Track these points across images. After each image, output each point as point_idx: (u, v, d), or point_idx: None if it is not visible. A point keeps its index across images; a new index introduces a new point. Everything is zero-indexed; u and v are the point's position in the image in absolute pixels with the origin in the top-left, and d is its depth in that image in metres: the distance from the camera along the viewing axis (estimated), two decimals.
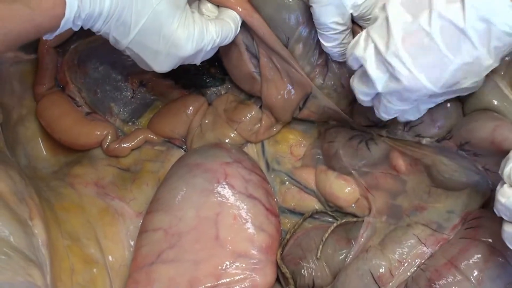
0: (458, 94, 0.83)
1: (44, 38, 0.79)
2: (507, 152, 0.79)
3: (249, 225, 0.98)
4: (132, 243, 1.06)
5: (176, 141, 1.17)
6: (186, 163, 1.05)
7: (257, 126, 1.12)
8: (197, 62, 0.93)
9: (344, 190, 1.05)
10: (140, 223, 1.05)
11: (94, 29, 0.82)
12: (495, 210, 0.76)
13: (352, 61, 0.84)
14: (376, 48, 0.79)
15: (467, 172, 0.92)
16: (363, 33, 0.82)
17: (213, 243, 0.96)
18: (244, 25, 0.97)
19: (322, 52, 0.98)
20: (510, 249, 0.76)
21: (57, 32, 0.78)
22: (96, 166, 1.14)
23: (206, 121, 1.14)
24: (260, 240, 0.98)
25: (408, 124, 0.96)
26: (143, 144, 1.16)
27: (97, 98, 1.17)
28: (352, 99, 1.01)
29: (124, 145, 1.15)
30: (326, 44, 0.92)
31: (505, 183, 0.75)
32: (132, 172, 1.15)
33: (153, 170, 1.15)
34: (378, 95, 0.84)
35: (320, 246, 0.99)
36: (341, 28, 0.89)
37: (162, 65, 0.89)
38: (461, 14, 0.72)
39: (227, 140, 1.12)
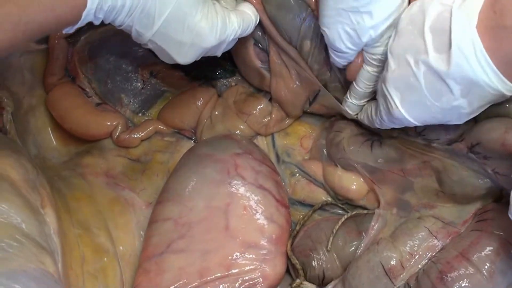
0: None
1: (64, 32, 0.78)
2: None
3: (259, 216, 0.98)
4: (142, 233, 1.06)
5: (186, 132, 1.17)
6: (196, 154, 1.05)
7: (267, 119, 1.12)
8: (219, 53, 0.93)
9: (355, 182, 1.04)
10: (150, 214, 1.05)
11: (117, 23, 0.81)
12: (509, 215, 0.76)
13: None
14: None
15: (477, 175, 0.92)
16: None
17: (223, 234, 0.97)
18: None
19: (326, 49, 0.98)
20: None
21: (78, 25, 0.77)
22: (106, 157, 1.14)
23: (216, 113, 1.14)
24: (270, 231, 0.98)
25: (419, 128, 0.97)
26: (153, 135, 1.17)
27: (108, 89, 1.17)
28: None
29: (134, 135, 1.15)
30: (337, 59, 0.93)
31: None
32: (142, 162, 1.15)
33: (163, 161, 1.15)
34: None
35: (331, 238, 0.99)
36: (354, 50, 0.90)
37: (185, 57, 0.88)
38: (445, 67, 0.73)
39: (237, 132, 1.12)
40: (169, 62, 0.90)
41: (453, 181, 0.93)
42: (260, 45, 1.03)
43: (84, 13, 0.74)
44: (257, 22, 0.96)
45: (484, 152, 0.88)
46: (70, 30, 0.78)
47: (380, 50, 0.88)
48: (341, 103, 1.03)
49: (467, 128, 0.90)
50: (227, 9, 0.91)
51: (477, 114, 0.80)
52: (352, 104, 1.00)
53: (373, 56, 0.90)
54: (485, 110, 0.86)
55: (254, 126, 1.13)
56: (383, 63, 0.92)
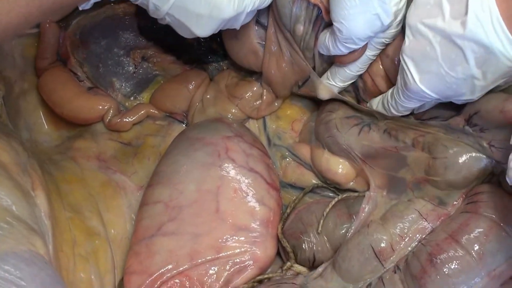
0: (461, 103, 0.87)
1: (80, 8, 0.77)
2: None
3: (249, 198, 0.99)
4: (133, 216, 1.07)
5: (178, 115, 1.18)
6: (187, 137, 1.06)
7: (258, 102, 1.12)
8: (237, 26, 0.91)
9: (341, 166, 1.05)
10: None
11: None
12: (507, 179, 0.75)
13: None
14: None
15: (471, 150, 0.91)
16: None
17: (214, 216, 0.97)
18: None
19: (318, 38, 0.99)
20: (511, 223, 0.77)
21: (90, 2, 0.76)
22: (98, 140, 1.15)
23: (208, 96, 1.14)
24: (261, 213, 0.99)
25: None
26: (144, 119, 1.17)
27: (99, 73, 1.17)
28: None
29: (126, 119, 1.15)
30: (344, 50, 0.93)
31: None
32: (134, 146, 1.16)
33: (154, 145, 1.15)
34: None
35: (321, 221, 0.99)
36: (370, 38, 0.91)
37: (204, 29, 0.87)
38: (460, 31, 0.74)
39: (228, 116, 1.13)
40: (188, 36, 0.89)
41: (446, 158, 0.93)
42: (260, 21, 1.03)
43: None
44: None
45: (481, 123, 0.88)
46: (87, 6, 0.77)
47: (392, 33, 0.91)
48: None
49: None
50: None
51: (490, 88, 0.81)
52: (335, 86, 1.02)
53: (379, 40, 0.92)
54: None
55: (246, 109, 1.13)
56: (383, 46, 0.94)
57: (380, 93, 1.02)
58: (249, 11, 0.89)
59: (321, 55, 1.01)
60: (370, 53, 0.95)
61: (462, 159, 0.91)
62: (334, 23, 0.89)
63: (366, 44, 0.93)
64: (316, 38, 0.99)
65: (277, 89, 1.10)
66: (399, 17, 0.88)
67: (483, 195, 0.89)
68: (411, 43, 0.82)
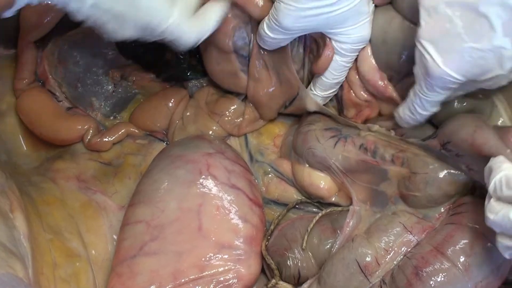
0: (483, 87, 0.84)
1: (1, 15, 0.74)
2: (488, 156, 0.80)
3: (232, 215, 0.99)
4: (115, 237, 1.06)
5: (158, 134, 1.18)
6: (168, 155, 1.06)
7: (239, 119, 1.13)
8: (153, 38, 0.87)
9: (322, 181, 1.05)
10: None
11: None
12: (486, 222, 0.76)
13: None
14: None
15: (449, 166, 0.92)
16: None
17: (196, 235, 0.97)
18: (245, 20, 0.99)
19: (306, 47, 1.02)
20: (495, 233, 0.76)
21: (15, 7, 0.73)
22: (77, 161, 1.14)
23: (188, 114, 1.15)
24: (244, 231, 0.98)
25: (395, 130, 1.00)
26: (124, 138, 1.17)
27: (78, 93, 1.17)
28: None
29: (106, 139, 1.15)
30: (270, 34, 0.94)
31: (491, 197, 0.75)
32: (114, 166, 1.15)
33: (135, 164, 1.15)
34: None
35: (305, 237, 0.99)
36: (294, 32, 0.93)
37: (121, 30, 0.83)
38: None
39: (209, 133, 1.13)
40: (109, 37, 0.84)
41: (426, 173, 0.93)
42: (241, 53, 1.04)
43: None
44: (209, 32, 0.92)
45: (455, 150, 0.88)
46: (8, 13, 0.74)
47: (346, 37, 0.93)
48: None
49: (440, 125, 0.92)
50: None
51: None
52: (317, 95, 1.03)
53: (343, 46, 0.93)
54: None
55: (227, 126, 1.13)
56: (353, 52, 0.95)
57: (357, 103, 1.04)
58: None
59: (306, 67, 1.04)
60: (341, 59, 0.96)
61: (442, 174, 0.92)
62: (275, 1, 0.90)
63: (332, 49, 0.95)
64: (304, 49, 1.02)
65: (263, 113, 1.12)
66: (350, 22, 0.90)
67: (467, 205, 0.90)
68: (428, 25, 0.79)
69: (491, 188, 0.75)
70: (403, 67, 0.96)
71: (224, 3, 0.92)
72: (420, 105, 0.89)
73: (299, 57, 1.04)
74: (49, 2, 0.78)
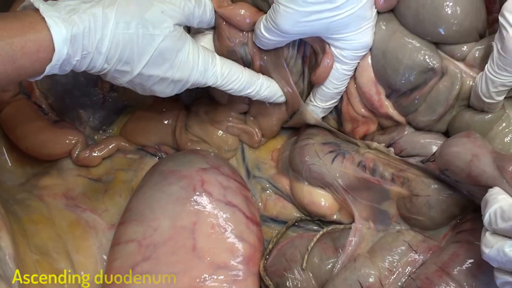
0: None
1: (30, 80, 0.80)
2: (487, 186, 0.82)
3: (228, 234, 0.99)
4: (105, 257, 1.06)
5: (150, 148, 1.20)
6: (160, 171, 1.06)
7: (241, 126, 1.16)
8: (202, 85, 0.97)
9: (323, 198, 1.07)
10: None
11: (86, 71, 0.84)
12: (482, 256, 0.77)
13: None
14: None
15: (452, 189, 0.94)
16: None
17: (191, 254, 0.97)
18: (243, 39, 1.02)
19: (304, 57, 1.04)
20: None
21: (43, 75, 0.78)
22: (65, 177, 1.16)
23: (192, 127, 1.17)
24: (241, 250, 0.99)
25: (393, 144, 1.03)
26: (115, 153, 1.19)
27: (65, 105, 1.19)
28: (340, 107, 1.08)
29: (95, 154, 1.17)
30: (267, 35, 0.97)
31: (487, 230, 0.77)
32: (104, 182, 1.17)
33: (126, 180, 1.17)
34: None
35: (306, 256, 1.00)
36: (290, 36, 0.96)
37: (164, 91, 0.93)
38: None
39: (224, 146, 1.17)
40: (145, 95, 0.94)
41: (429, 196, 0.95)
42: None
43: (47, 68, 0.76)
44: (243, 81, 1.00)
45: (454, 177, 0.90)
46: (34, 79, 0.80)
47: (348, 44, 0.95)
48: None
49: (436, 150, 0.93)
50: (213, 53, 0.96)
51: None
52: (317, 107, 1.05)
53: (343, 53, 0.95)
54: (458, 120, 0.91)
55: (236, 131, 1.16)
56: (354, 60, 0.97)
57: (354, 118, 1.06)
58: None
59: (305, 78, 1.06)
60: (342, 67, 0.98)
61: (445, 196, 0.94)
62: (274, 3, 0.93)
63: (331, 58, 0.98)
64: (303, 59, 1.04)
65: (265, 133, 1.15)
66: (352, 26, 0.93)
67: (473, 222, 0.92)
68: None
69: (486, 221, 0.77)
70: (400, 85, 0.98)
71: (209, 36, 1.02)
72: (484, 89, 0.92)
73: (297, 68, 1.06)
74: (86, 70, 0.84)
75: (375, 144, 1.04)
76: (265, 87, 1.02)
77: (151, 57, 0.85)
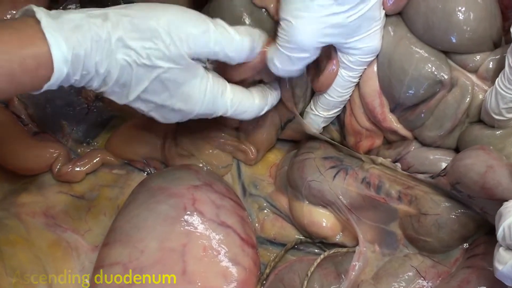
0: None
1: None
2: (501, 200, 0.82)
3: (221, 257, 0.99)
4: (87, 281, 1.06)
5: (138, 163, 1.20)
6: (148, 188, 1.07)
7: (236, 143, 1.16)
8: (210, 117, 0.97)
9: (324, 218, 1.07)
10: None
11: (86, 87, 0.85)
12: (496, 276, 0.78)
13: None
14: None
15: (463, 207, 0.95)
16: None
17: (180, 279, 0.97)
18: None
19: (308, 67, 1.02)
20: None
21: (40, 91, 0.79)
22: (45, 194, 1.16)
23: (184, 141, 1.17)
24: (235, 275, 0.99)
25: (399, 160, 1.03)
26: (99, 168, 1.19)
27: (46, 115, 1.19)
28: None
29: (78, 168, 1.17)
30: (291, 64, 0.94)
31: (501, 245, 0.77)
32: (87, 199, 1.17)
33: (111, 197, 1.17)
34: None
35: (305, 282, 1.01)
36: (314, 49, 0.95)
37: (167, 118, 0.93)
38: None
39: (220, 165, 1.17)
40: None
41: (438, 214, 0.96)
42: None
43: (45, 86, 0.77)
44: (263, 111, 1.01)
45: (466, 192, 0.90)
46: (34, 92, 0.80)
47: (355, 49, 0.95)
48: None
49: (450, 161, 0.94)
50: (224, 81, 0.95)
51: None
52: (318, 116, 1.06)
53: (351, 58, 0.96)
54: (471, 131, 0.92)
55: (228, 149, 1.16)
56: (361, 66, 0.97)
57: (357, 131, 1.06)
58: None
59: (308, 88, 1.06)
60: (347, 73, 0.98)
61: (455, 215, 0.95)
62: (280, 22, 0.92)
63: (337, 64, 0.98)
64: (307, 68, 1.02)
65: (260, 146, 1.16)
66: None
67: (485, 246, 0.92)
68: None
69: (499, 235, 0.77)
70: (404, 98, 0.97)
71: None
72: (494, 104, 0.91)
73: (302, 79, 1.05)
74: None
75: (380, 159, 1.04)
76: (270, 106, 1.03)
77: (148, 85, 0.85)
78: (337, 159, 1.07)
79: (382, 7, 0.94)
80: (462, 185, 0.89)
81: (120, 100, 0.87)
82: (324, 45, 0.93)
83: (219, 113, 0.95)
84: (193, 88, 0.89)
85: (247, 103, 0.97)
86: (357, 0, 0.87)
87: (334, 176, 1.04)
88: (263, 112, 1.00)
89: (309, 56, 0.93)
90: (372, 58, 0.98)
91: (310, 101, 1.09)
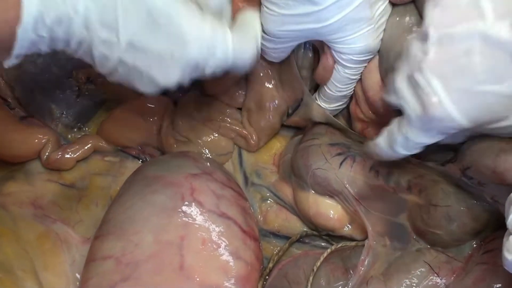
0: (493, 133, 0.85)
1: (6, 65, 0.77)
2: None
3: (221, 251, 0.99)
4: (78, 276, 1.07)
5: (132, 150, 1.20)
6: (143, 176, 1.06)
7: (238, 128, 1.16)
8: (206, 73, 0.90)
9: (335, 208, 1.06)
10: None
11: (71, 46, 0.80)
12: (505, 268, 0.76)
13: None
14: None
15: (475, 198, 0.93)
16: None
17: (177, 274, 0.96)
18: None
19: (316, 51, 1.04)
20: None
21: (17, 50, 0.75)
22: (33, 182, 1.16)
23: (181, 125, 1.16)
24: (236, 269, 0.98)
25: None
26: (91, 154, 1.19)
27: (34, 99, 1.19)
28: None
29: (68, 155, 1.17)
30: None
31: (511, 233, 0.76)
32: (78, 188, 1.17)
33: (103, 186, 1.17)
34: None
35: (311, 278, 1.01)
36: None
37: (167, 74, 0.86)
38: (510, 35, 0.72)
39: (221, 152, 1.17)
40: (149, 90, 0.88)
41: (449, 206, 0.94)
42: None
43: (19, 31, 0.73)
44: (258, 53, 0.96)
45: (477, 177, 0.90)
46: (10, 61, 0.77)
47: (347, 48, 0.94)
48: None
49: (460, 147, 0.93)
50: (221, 22, 0.91)
51: None
52: (321, 107, 1.06)
53: (344, 56, 0.95)
54: None
55: (231, 135, 1.16)
56: (357, 64, 0.97)
57: (362, 119, 1.06)
58: (219, 60, 0.89)
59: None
60: (344, 70, 0.98)
61: (467, 206, 0.93)
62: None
63: (331, 58, 0.98)
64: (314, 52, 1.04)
65: (263, 130, 1.15)
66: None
67: (500, 242, 0.89)
68: (437, 56, 0.77)
69: (510, 222, 0.75)
70: None
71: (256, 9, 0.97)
72: (403, 145, 0.87)
73: (308, 61, 1.06)
74: (67, 51, 0.82)
75: None
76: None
77: (138, 17, 0.80)
78: (344, 146, 1.06)
79: (381, 3, 0.93)
80: (473, 170, 0.89)
81: (112, 52, 0.82)
82: (298, 41, 0.97)
83: (219, 52, 0.88)
84: (187, 20, 0.84)
85: (247, 44, 0.93)
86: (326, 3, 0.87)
87: (341, 164, 1.03)
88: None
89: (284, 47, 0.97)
90: (369, 57, 0.97)
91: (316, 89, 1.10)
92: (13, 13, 0.72)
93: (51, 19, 0.75)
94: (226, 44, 0.88)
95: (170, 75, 0.86)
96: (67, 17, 0.76)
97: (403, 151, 0.88)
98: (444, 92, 0.77)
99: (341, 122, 1.11)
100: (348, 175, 1.03)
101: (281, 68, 1.07)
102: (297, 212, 1.13)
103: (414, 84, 0.80)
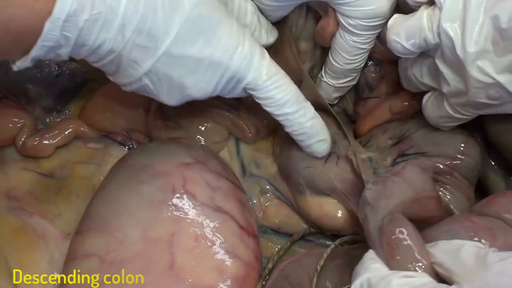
0: None
1: (16, 66, 0.79)
2: None
3: (216, 249, 0.98)
4: (57, 274, 1.06)
5: (117, 136, 1.19)
6: (130, 165, 1.06)
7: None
8: (236, 91, 0.94)
9: (341, 207, 1.05)
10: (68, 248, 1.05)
11: (99, 53, 0.81)
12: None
13: None
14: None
15: None
16: None
17: (167, 274, 0.96)
18: None
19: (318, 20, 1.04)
20: None
21: (35, 51, 0.76)
22: (7, 171, 1.15)
23: (169, 109, 1.14)
24: (232, 269, 0.98)
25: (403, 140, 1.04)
26: (72, 140, 1.18)
27: (9, 78, 1.18)
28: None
29: (46, 141, 1.16)
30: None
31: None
32: (57, 178, 1.16)
33: (86, 176, 1.16)
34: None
35: (314, 279, 1.00)
36: None
37: (201, 83, 0.89)
38: None
39: (213, 140, 1.15)
40: (173, 100, 0.92)
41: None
42: None
43: (47, 24, 0.73)
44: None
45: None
46: (22, 62, 0.78)
47: (354, 11, 0.93)
48: None
49: None
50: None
51: None
52: (328, 84, 1.06)
53: (351, 21, 0.94)
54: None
55: (227, 124, 1.15)
56: (367, 30, 0.96)
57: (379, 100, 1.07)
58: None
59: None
60: (352, 38, 0.97)
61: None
62: None
63: (333, 19, 0.98)
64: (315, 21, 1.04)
65: (263, 124, 1.15)
66: None
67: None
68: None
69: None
70: None
71: None
72: (452, 109, 0.92)
73: (309, 31, 1.06)
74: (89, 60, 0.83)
75: (364, 156, 1.04)
76: (310, 116, 0.99)
77: (180, 27, 0.82)
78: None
79: None
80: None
81: (145, 60, 0.83)
82: (300, 1, 0.98)
83: (252, 75, 0.90)
84: (231, 28, 0.87)
85: (285, 78, 0.94)
86: None
87: (326, 161, 1.04)
88: (299, 111, 0.96)
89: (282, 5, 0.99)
90: (380, 23, 0.96)
91: (322, 64, 1.09)
92: (42, 4, 0.71)
93: (85, 18, 0.74)
94: (261, 71, 0.90)
95: (204, 84, 0.90)
96: (104, 18, 0.76)
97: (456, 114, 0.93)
98: None
99: (349, 108, 1.13)
100: (334, 172, 1.03)
101: (276, 48, 1.07)
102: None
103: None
